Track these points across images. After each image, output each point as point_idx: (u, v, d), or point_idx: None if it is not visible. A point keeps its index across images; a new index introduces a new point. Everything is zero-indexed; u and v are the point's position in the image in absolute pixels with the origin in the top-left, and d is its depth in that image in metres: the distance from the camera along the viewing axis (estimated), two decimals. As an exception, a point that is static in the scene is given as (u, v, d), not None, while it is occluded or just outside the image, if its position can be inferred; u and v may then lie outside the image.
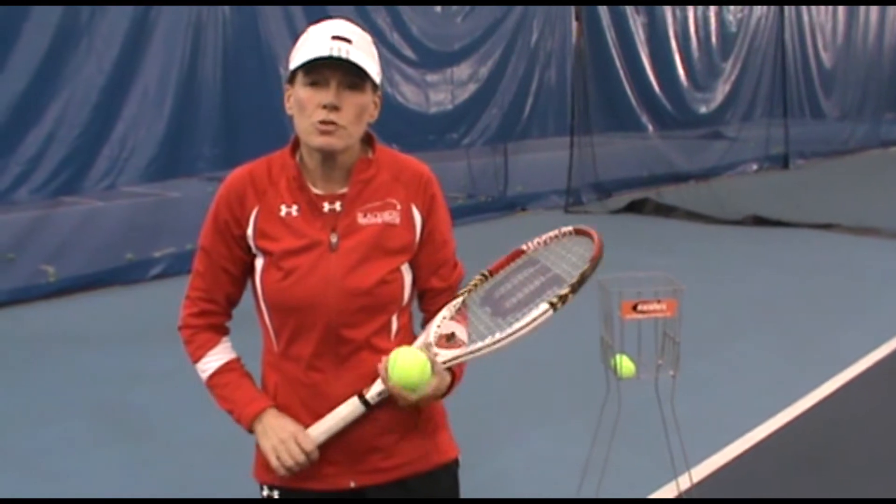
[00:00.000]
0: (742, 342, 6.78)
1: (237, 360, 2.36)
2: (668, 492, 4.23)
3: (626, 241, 10.06)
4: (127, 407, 5.62)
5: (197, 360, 2.35)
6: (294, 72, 2.19)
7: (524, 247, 2.32)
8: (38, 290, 8.16)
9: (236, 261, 2.28)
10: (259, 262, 2.25)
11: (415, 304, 2.38)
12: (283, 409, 2.27)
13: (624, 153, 14.77)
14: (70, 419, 5.40)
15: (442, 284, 2.33)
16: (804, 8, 18.21)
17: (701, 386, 5.56)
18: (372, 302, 2.21)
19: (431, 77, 11.71)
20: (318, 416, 2.22)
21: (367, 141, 2.29)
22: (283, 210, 2.21)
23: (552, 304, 2.12)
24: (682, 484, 3.75)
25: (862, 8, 20.17)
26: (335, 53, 2.09)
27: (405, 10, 11.06)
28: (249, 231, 2.23)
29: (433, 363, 2.14)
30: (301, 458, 2.19)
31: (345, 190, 2.22)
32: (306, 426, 2.23)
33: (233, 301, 2.36)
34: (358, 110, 2.16)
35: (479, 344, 2.16)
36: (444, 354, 2.18)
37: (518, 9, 12.73)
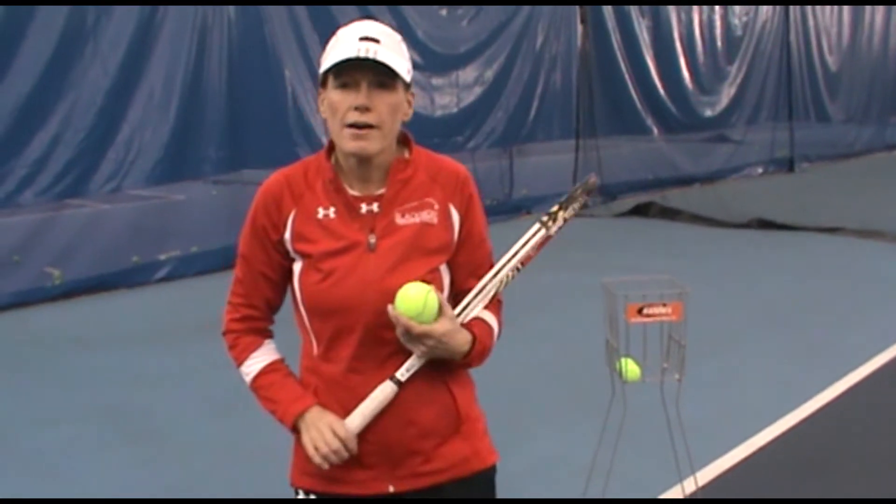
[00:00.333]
0: (747, 345, 6.77)
1: (281, 360, 2.34)
2: (674, 494, 4.22)
3: (631, 244, 10.06)
4: (132, 409, 5.62)
5: (240, 363, 2.34)
6: (325, 76, 2.18)
7: (551, 233, 2.31)
8: (43, 293, 8.17)
9: (275, 266, 2.27)
10: (297, 266, 2.24)
11: None
12: None
13: (629, 156, 14.76)
14: (75, 421, 5.40)
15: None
16: (809, 11, 18.21)
17: (706, 389, 5.55)
18: None
19: (436, 80, 11.72)
20: None
21: (403, 141, 2.28)
22: (321, 212, 2.21)
23: (543, 223, 2.17)
24: (687, 487, 3.75)
25: (867, 10, 20.16)
26: (363, 54, 2.09)
27: (410, 13, 11.07)
28: (287, 235, 2.23)
29: (443, 303, 2.15)
30: (336, 444, 2.16)
31: (382, 191, 2.21)
32: None
33: (273, 306, 2.34)
34: (390, 109, 2.15)
35: (483, 282, 2.25)
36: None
37: (523, 12, 12.74)
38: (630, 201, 13.24)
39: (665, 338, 3.22)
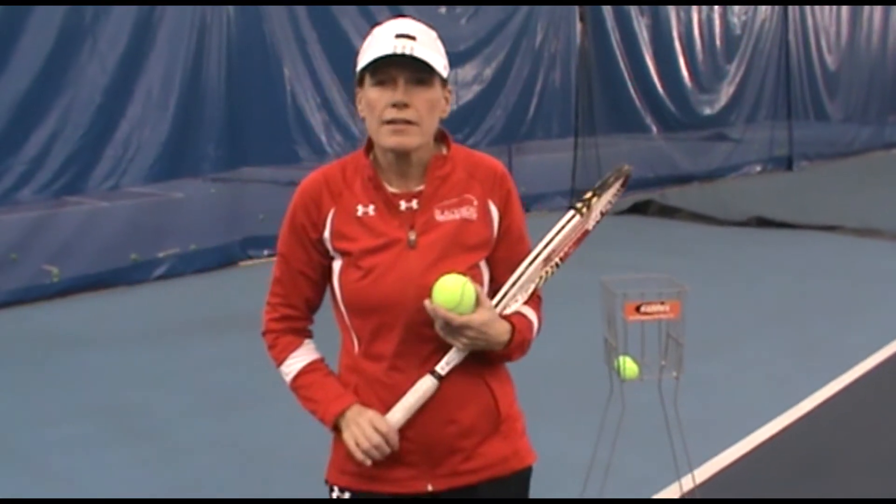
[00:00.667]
0: (745, 343, 6.77)
1: (321, 360, 2.33)
2: (672, 493, 4.23)
3: (630, 242, 10.06)
4: (131, 407, 5.62)
5: (280, 363, 2.33)
6: (362, 75, 2.17)
7: (589, 227, 2.31)
8: (41, 291, 8.17)
9: (314, 265, 2.27)
10: (337, 264, 2.24)
11: None
12: None
13: (628, 154, 14.74)
14: (74, 419, 5.40)
15: None
16: (808, 10, 18.21)
17: (704, 387, 5.55)
18: None
19: (436, 78, 11.71)
20: None
21: (441, 138, 2.28)
22: (360, 210, 2.21)
23: (577, 209, 2.16)
24: (685, 485, 3.75)
25: (866, 9, 20.16)
26: (399, 51, 2.09)
27: (409, 12, 11.05)
28: (326, 234, 2.23)
29: (479, 293, 2.15)
30: (377, 439, 2.15)
31: (421, 187, 2.21)
32: None
33: (312, 306, 2.34)
34: (428, 105, 2.15)
35: (518, 272, 2.23)
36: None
37: (522, 10, 12.74)
38: (629, 199, 13.21)
39: (663, 336, 3.22)
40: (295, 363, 2.31)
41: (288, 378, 2.33)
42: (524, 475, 2.36)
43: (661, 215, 12.44)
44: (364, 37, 2.24)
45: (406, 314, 2.16)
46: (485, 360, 2.23)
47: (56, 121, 8.20)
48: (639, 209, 12.74)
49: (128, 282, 8.69)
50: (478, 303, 2.14)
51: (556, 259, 2.28)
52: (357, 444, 2.17)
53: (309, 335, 2.36)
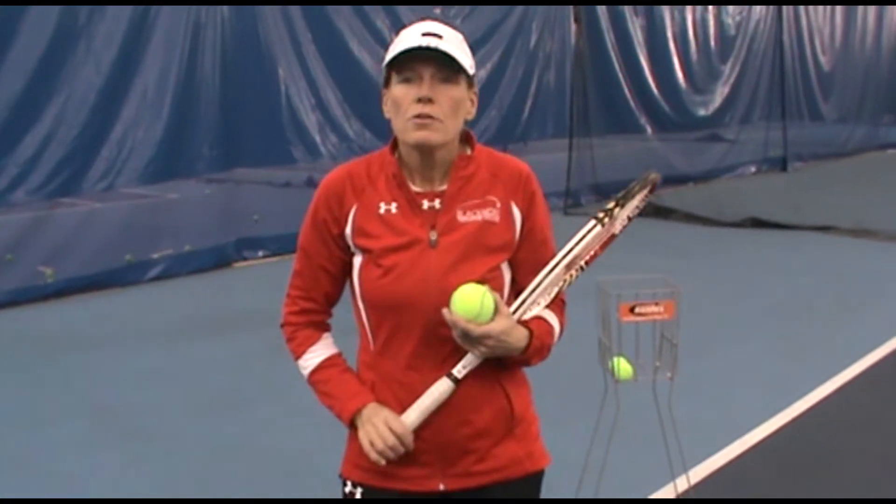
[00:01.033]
0: (740, 344, 6.78)
1: (338, 355, 2.33)
2: (667, 493, 4.23)
3: (624, 243, 9.99)
4: (125, 408, 5.61)
5: (298, 356, 2.33)
6: (388, 74, 2.18)
7: (616, 230, 2.31)
8: (35, 292, 8.15)
9: (335, 260, 2.27)
10: (357, 260, 2.24)
11: None
12: None
13: (623, 155, 14.77)
14: (68, 420, 5.39)
15: None
16: (802, 11, 18.23)
17: (699, 387, 5.55)
18: None
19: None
20: None
21: (466, 139, 2.27)
22: (382, 207, 2.20)
23: (598, 219, 2.12)
24: (679, 485, 3.75)
25: (860, 10, 20.19)
26: (425, 44, 2.09)
27: (404, 12, 11.05)
28: (348, 230, 2.22)
29: (498, 301, 2.13)
30: (391, 440, 2.15)
31: (444, 187, 2.21)
32: None
33: (331, 300, 2.34)
34: (453, 104, 2.14)
35: (538, 279, 2.20)
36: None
37: (517, 11, 12.75)
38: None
39: (657, 337, 3.22)
40: (313, 358, 2.31)
41: (306, 372, 2.33)
42: (537, 478, 2.37)
43: (656, 216, 12.43)
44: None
45: (425, 314, 2.16)
46: (501, 363, 2.23)
47: (50, 122, 8.18)
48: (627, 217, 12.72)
49: (122, 283, 8.67)
50: (496, 311, 2.13)
51: (581, 263, 2.27)
52: (372, 444, 2.17)
53: (327, 328, 2.37)
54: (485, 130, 12.24)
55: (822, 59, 19.12)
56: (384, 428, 2.16)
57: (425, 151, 2.16)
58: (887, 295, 8.21)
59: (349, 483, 2.32)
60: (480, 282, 2.15)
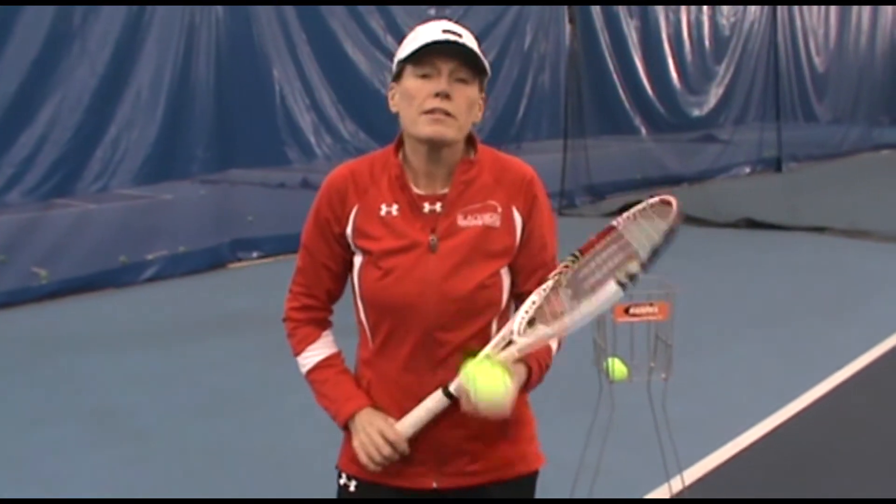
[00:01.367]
0: (734, 344, 6.79)
1: (337, 354, 2.34)
2: (661, 494, 4.23)
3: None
4: (119, 409, 5.60)
5: (298, 353, 2.34)
6: (401, 68, 2.16)
7: (614, 222, 2.25)
8: (30, 293, 8.13)
9: (336, 258, 2.27)
10: (358, 260, 2.24)
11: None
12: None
13: (617, 156, 14.79)
14: (62, 422, 5.38)
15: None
16: (797, 11, 18.26)
17: (693, 388, 5.56)
18: (470, 306, 2.19)
19: (425, 80, 11.70)
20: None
21: (470, 142, 2.27)
22: (384, 209, 2.20)
23: (621, 285, 2.05)
24: (674, 486, 3.75)
25: (854, 11, 20.22)
26: (447, 38, 2.09)
27: (399, 13, 11.05)
28: (349, 230, 2.23)
29: (507, 369, 2.08)
30: (386, 450, 2.16)
31: (446, 191, 2.20)
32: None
33: (333, 297, 2.35)
34: (468, 103, 2.14)
35: (547, 331, 2.08)
36: (519, 341, 2.10)
37: (512, 12, 12.75)
38: (618, 201, 13.21)
39: (652, 337, 3.22)
40: (312, 356, 2.32)
41: (304, 370, 2.34)
42: (530, 479, 2.38)
43: (651, 216, 12.44)
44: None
45: (423, 318, 2.17)
46: None
47: (45, 122, 8.17)
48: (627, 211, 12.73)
49: (117, 284, 8.66)
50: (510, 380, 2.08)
51: (577, 251, 2.22)
52: (367, 454, 2.18)
53: (328, 325, 2.37)
54: (479, 131, 12.10)
55: (817, 59, 19.15)
56: (378, 437, 2.17)
57: (434, 147, 2.16)
58: (882, 295, 8.22)
59: (344, 476, 2.33)
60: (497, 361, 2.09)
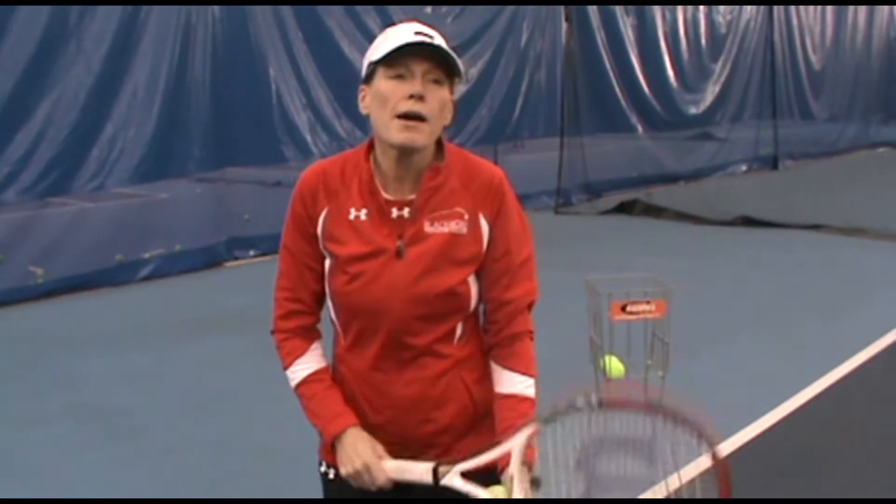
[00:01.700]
0: (731, 342, 6.79)
1: (325, 369, 2.34)
2: (657, 492, 4.23)
3: (616, 242, 10.07)
4: (115, 408, 5.60)
5: (286, 366, 2.34)
6: (372, 69, 2.16)
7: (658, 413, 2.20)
8: (26, 292, 8.13)
9: (318, 257, 2.27)
10: (328, 262, 2.25)
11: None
12: (348, 400, 2.28)
13: (614, 154, 14.78)
14: (58, 421, 5.38)
15: (502, 296, 2.26)
16: (793, 10, 18.28)
17: (690, 386, 5.51)
18: (437, 311, 2.20)
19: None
20: (379, 411, 2.26)
21: (438, 146, 2.25)
22: (353, 213, 2.20)
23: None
24: (671, 484, 3.75)
25: (850, 10, 20.25)
26: (421, 39, 2.09)
27: (395, 11, 11.05)
28: (318, 231, 2.23)
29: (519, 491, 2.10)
30: (366, 479, 2.19)
31: (414, 196, 2.19)
32: (370, 421, 2.26)
33: (319, 298, 2.33)
34: (441, 104, 2.14)
35: None
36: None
37: (508, 10, 12.75)
38: (614, 199, 13.26)
39: (649, 335, 3.23)
40: (300, 371, 2.32)
41: (292, 384, 2.34)
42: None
43: (647, 215, 12.46)
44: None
45: (389, 322, 2.19)
46: (466, 366, 2.28)
47: (41, 121, 8.16)
48: (624, 209, 12.76)
49: (113, 283, 8.65)
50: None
51: (593, 400, 2.24)
52: (348, 475, 2.21)
53: (317, 336, 2.36)
54: (475, 130, 12.24)
55: (813, 57, 19.17)
56: (367, 477, 2.18)
57: (404, 153, 2.16)
58: (878, 293, 8.23)
59: (324, 464, 2.37)
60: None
